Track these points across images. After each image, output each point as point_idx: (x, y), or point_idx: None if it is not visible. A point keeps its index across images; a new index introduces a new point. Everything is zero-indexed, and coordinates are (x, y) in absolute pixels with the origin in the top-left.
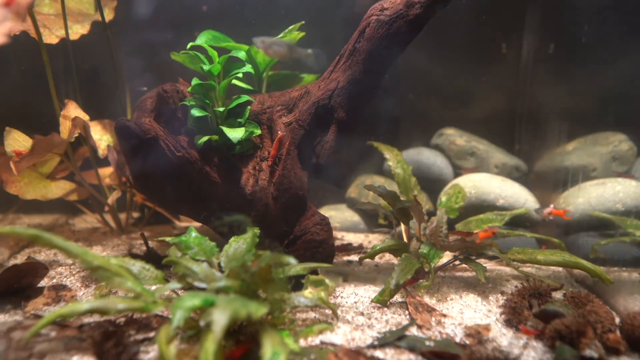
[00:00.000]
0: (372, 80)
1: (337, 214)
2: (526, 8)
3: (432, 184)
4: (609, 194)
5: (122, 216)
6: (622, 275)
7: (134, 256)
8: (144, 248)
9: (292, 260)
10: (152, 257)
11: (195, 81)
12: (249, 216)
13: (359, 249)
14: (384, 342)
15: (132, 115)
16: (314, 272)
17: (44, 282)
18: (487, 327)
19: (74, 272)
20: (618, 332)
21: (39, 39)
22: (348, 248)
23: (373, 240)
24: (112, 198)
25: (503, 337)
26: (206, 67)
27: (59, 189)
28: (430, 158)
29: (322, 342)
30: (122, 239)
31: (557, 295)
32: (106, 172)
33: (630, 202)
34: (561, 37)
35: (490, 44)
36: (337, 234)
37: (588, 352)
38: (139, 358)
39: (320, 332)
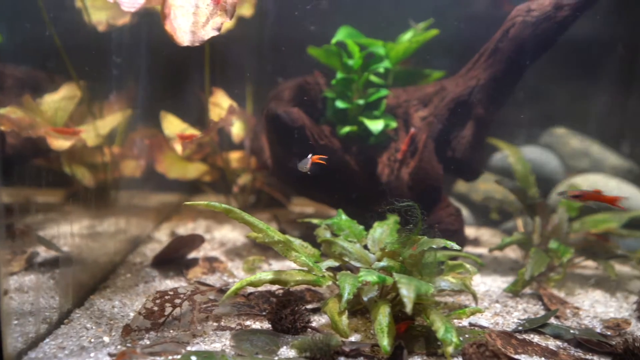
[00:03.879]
0: (512, 79)
1: None
2: None
3: (542, 183)
4: None
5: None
6: None
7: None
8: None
9: (455, 245)
10: None
11: (339, 74)
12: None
13: (475, 242)
14: (529, 327)
15: (268, 104)
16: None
17: (192, 255)
18: (626, 321)
19: (215, 247)
20: None
21: None
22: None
23: (484, 234)
24: (242, 180)
25: None
26: (350, 62)
27: (195, 170)
28: (542, 157)
29: (470, 324)
30: None
31: None
32: (233, 156)
33: None
34: None
35: (605, 44)
36: None
37: None
38: (310, 326)
39: (472, 314)
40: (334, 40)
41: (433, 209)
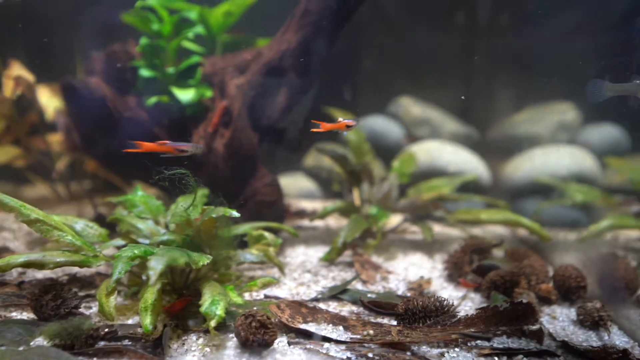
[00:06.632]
0: (324, 41)
1: (293, 182)
2: None
3: (388, 152)
4: (553, 160)
5: (74, 185)
6: (561, 236)
7: None
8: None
9: (234, 213)
10: (101, 222)
11: (143, 41)
12: (200, 178)
13: (313, 214)
14: (326, 295)
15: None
16: (273, 233)
17: None
18: (428, 281)
19: (18, 237)
20: (551, 284)
21: None
22: (301, 213)
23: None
24: (60, 164)
25: (444, 290)
26: (155, 27)
27: (3, 153)
28: (386, 126)
29: (266, 296)
30: (72, 207)
31: (500, 252)
32: (54, 138)
33: (574, 167)
34: (516, 6)
35: (445, 13)
36: (293, 202)
37: (519, 299)
38: (78, 312)
39: (264, 285)
40: (138, 4)
41: (249, 181)
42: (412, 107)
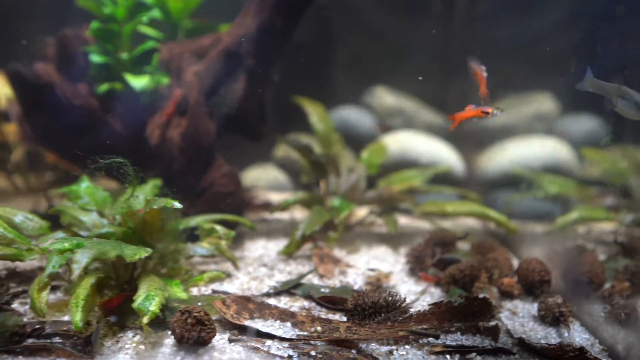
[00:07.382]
0: (283, 26)
1: (264, 174)
2: None
3: (361, 143)
4: (526, 152)
5: (34, 176)
6: (531, 228)
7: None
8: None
9: (176, 204)
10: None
11: (94, 24)
12: (155, 169)
13: (279, 207)
14: (278, 290)
15: None
16: (231, 226)
17: None
18: (387, 275)
19: None
20: (515, 278)
21: None
22: (268, 205)
23: None
24: (15, 155)
25: (404, 284)
26: (107, 10)
27: None
28: (358, 117)
29: (214, 291)
30: (28, 199)
31: (467, 245)
32: (9, 128)
33: (549, 159)
34: None
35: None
36: (261, 193)
37: (479, 294)
38: (10, 308)
39: (211, 280)
40: None
41: (206, 171)
42: (386, 97)
